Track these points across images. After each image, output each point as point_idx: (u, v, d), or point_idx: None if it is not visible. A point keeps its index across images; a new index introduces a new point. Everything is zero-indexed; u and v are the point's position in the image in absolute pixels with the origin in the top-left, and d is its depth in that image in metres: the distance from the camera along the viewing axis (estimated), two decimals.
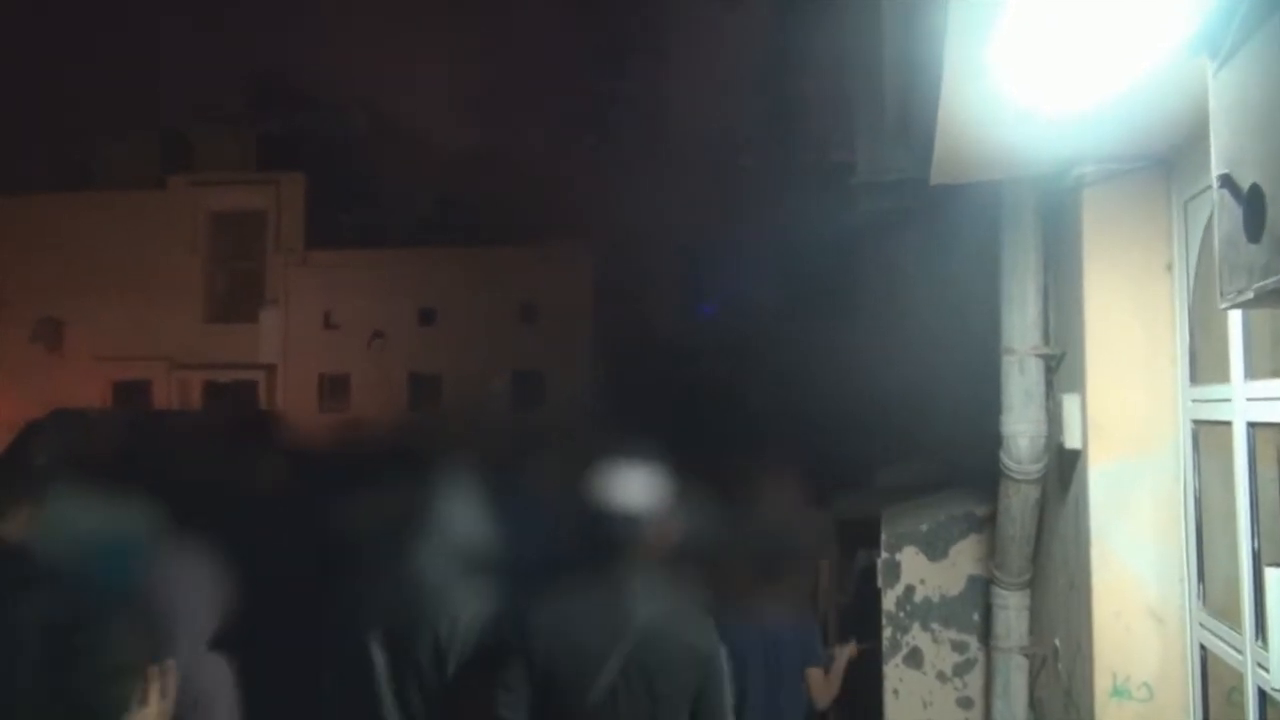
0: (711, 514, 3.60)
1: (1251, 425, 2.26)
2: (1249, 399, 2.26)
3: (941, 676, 4.00)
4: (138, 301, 17.12)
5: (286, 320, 17.53)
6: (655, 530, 2.61)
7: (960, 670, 3.99)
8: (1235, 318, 2.29)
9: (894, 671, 4.05)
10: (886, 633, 4.06)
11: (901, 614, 4.05)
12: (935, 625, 4.02)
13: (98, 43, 17.47)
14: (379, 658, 2.72)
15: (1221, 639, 2.51)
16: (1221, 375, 2.42)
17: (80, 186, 17.73)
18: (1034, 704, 3.62)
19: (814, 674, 3.67)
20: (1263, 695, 2.22)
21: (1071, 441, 3.00)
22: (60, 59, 17.82)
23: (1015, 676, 3.62)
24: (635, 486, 2.64)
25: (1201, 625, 2.67)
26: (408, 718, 2.70)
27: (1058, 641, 3.30)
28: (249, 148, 18.25)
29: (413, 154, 18.86)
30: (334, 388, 17.51)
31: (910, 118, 3.51)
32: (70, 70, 17.68)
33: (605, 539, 2.53)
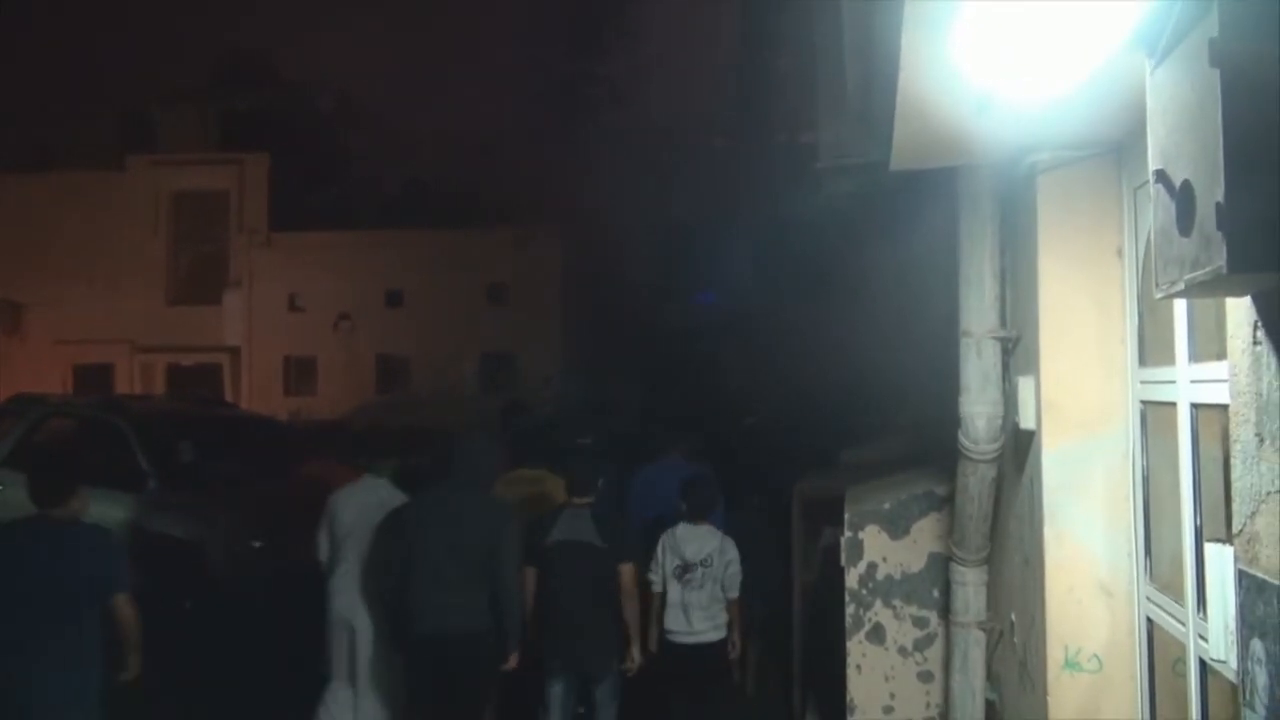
0: None
1: (1195, 406, 2.34)
2: (1192, 381, 2.33)
3: (903, 651, 4.10)
4: (99, 284, 16.85)
5: (250, 302, 17.35)
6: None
7: (921, 645, 4.08)
8: (1180, 303, 2.36)
9: (857, 647, 4.14)
10: (850, 609, 4.14)
11: (864, 591, 4.13)
12: (897, 601, 4.10)
13: (58, 20, 17.07)
14: None
15: (1167, 612, 2.60)
16: (1168, 358, 2.49)
17: (39, 167, 17.37)
18: (991, 677, 3.72)
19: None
20: (1203, 665, 2.31)
21: (1026, 422, 3.08)
22: (19, 37, 17.40)
23: (973, 650, 3.72)
24: None
25: (1148, 599, 2.76)
26: None
27: (1013, 616, 3.39)
28: (212, 128, 17.97)
29: (381, 136, 18.66)
30: (300, 370, 17.39)
31: (870, 103, 3.55)
32: (30, 49, 17.28)
33: None
